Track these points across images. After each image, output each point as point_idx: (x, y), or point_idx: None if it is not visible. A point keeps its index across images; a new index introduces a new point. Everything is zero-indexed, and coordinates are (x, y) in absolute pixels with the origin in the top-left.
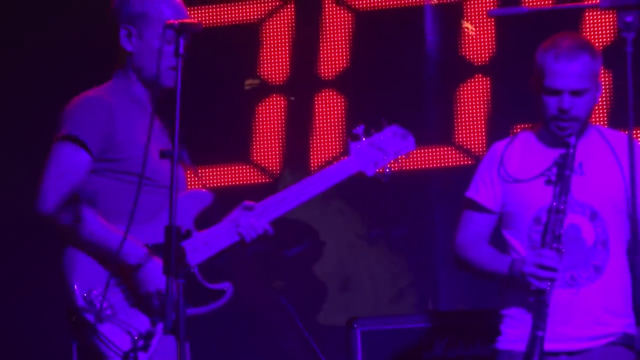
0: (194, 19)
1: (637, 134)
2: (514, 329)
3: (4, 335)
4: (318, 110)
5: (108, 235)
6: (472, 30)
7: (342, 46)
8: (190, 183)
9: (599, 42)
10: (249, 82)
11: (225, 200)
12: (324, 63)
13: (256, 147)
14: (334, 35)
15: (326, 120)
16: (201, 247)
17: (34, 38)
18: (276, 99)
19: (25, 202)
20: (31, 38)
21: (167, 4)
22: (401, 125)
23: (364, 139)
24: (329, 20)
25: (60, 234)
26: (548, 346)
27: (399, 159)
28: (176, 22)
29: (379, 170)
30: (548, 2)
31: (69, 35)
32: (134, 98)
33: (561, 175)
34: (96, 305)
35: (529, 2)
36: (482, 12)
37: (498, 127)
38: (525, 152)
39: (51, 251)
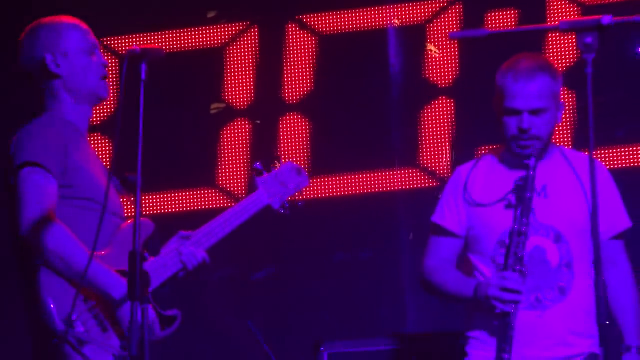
0: (157, 45)
1: (599, 154)
2: (480, 350)
3: None
4: (283, 133)
5: (97, 269)
6: (436, 52)
7: (306, 70)
8: (129, 210)
9: (561, 63)
10: (215, 106)
11: (191, 225)
12: (288, 87)
13: (221, 171)
14: (297, 59)
15: (291, 144)
16: (152, 274)
17: None
18: (241, 122)
19: None
20: None
21: (71, 24)
22: (294, 162)
23: (265, 173)
24: (293, 44)
25: (43, 257)
26: None
27: (301, 191)
28: (138, 47)
29: (283, 203)
30: (511, 24)
31: None
32: (72, 125)
33: (521, 198)
34: (75, 327)
35: (491, 24)
36: (445, 35)
37: (462, 148)
38: (488, 175)
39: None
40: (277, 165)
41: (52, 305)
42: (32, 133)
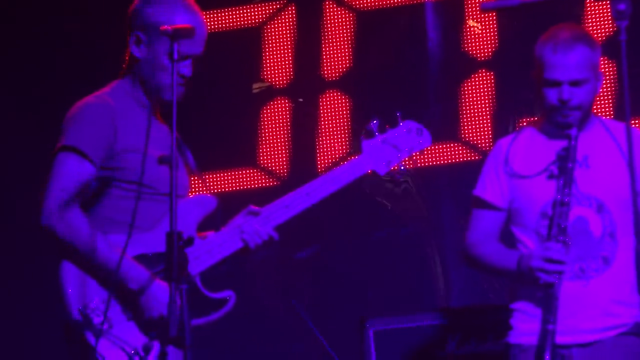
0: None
1: (638, 123)
2: (525, 322)
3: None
4: (323, 111)
5: (110, 256)
6: (478, 28)
7: (344, 46)
8: (196, 189)
9: (602, 33)
10: (258, 86)
11: (233, 205)
12: (327, 64)
13: (262, 150)
14: (336, 36)
15: (331, 121)
16: (203, 255)
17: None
18: (281, 101)
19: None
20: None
21: (183, 19)
22: (417, 121)
23: (377, 135)
24: (331, 21)
25: (62, 248)
26: (559, 339)
27: (413, 156)
28: (170, 27)
29: (393, 168)
30: None
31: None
32: (140, 101)
33: (564, 168)
34: (92, 319)
35: None
36: None
37: (503, 121)
38: (529, 147)
39: (49, 262)
40: (397, 124)
41: (70, 295)
42: (83, 112)
